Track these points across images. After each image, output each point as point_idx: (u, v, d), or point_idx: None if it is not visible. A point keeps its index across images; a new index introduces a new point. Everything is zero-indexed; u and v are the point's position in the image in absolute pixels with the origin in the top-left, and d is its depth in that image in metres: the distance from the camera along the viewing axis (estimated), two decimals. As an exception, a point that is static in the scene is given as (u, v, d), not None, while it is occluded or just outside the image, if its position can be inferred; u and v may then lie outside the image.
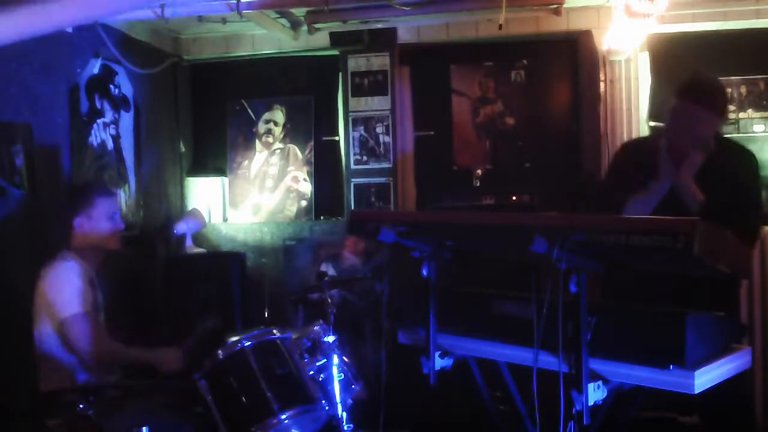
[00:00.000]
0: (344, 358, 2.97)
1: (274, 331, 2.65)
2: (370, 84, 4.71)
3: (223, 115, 5.05)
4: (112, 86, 4.15)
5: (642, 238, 1.75)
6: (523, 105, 4.80)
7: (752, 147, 4.37)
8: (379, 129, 4.71)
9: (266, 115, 5.01)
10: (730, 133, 4.44)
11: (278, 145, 4.98)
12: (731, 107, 4.48)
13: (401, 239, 2.32)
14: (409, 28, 4.69)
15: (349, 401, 2.94)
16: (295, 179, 4.93)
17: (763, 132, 4.46)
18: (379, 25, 4.57)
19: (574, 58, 4.69)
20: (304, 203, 4.91)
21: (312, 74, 4.96)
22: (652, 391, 1.98)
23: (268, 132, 5.00)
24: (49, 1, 2.53)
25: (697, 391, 1.85)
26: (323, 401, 2.58)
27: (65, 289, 2.83)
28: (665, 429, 3.38)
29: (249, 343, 2.53)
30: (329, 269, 4.11)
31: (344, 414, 2.86)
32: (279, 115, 4.99)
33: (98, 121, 4.02)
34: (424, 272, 2.37)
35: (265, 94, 5.03)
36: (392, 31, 4.68)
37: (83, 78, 3.87)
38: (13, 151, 3.29)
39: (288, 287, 4.45)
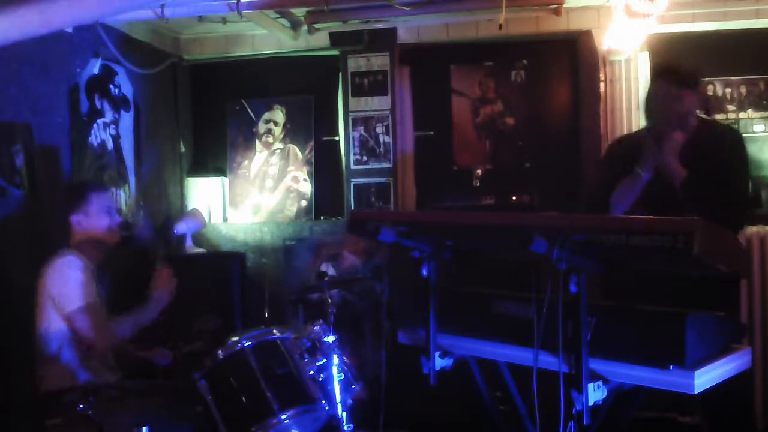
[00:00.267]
0: (344, 358, 2.97)
1: (274, 331, 2.65)
2: (370, 84, 4.71)
3: (223, 115, 5.05)
4: (112, 86, 4.15)
5: (642, 238, 1.75)
6: (523, 105, 4.80)
7: (752, 147, 4.43)
8: (379, 129, 4.71)
9: (266, 115, 5.01)
10: (729, 132, 4.46)
11: (278, 145, 4.98)
12: (731, 107, 4.49)
13: (401, 239, 2.32)
14: (409, 28, 4.69)
15: (349, 401, 2.94)
16: (295, 179, 4.93)
17: (763, 132, 4.46)
18: (379, 25, 4.57)
19: (574, 58, 4.69)
20: (304, 203, 4.91)
21: (312, 74, 4.96)
22: (652, 391, 1.98)
23: (268, 132, 5.00)
24: (49, 1, 2.53)
25: (697, 391, 1.85)
26: (323, 401, 2.59)
27: (68, 284, 2.85)
28: (665, 429, 3.38)
29: (249, 343, 2.53)
30: (329, 269, 4.11)
31: (344, 414, 2.86)
32: (279, 115, 4.99)
33: (98, 121, 4.02)
34: (424, 272, 2.36)
35: (265, 94, 5.03)
36: (392, 31, 4.68)
37: (83, 78, 3.87)
38: (13, 151, 3.29)
39: (288, 287, 4.45)
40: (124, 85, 4.26)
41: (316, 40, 4.69)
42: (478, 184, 4.80)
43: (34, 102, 3.45)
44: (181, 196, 5.02)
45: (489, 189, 4.77)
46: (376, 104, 4.71)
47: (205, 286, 4.20)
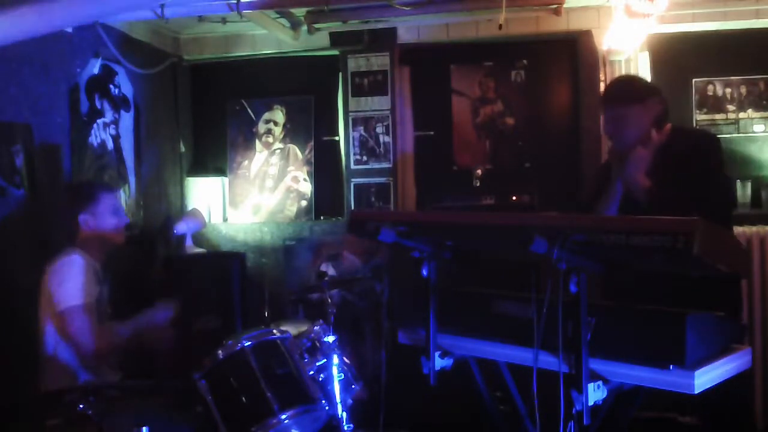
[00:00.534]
0: (344, 358, 2.97)
1: (274, 331, 2.65)
2: (370, 84, 4.71)
3: (223, 115, 5.06)
4: (112, 86, 4.15)
5: (642, 238, 1.75)
6: (523, 105, 4.80)
7: (752, 147, 4.44)
8: (379, 129, 4.71)
9: (266, 115, 5.01)
10: (730, 133, 4.46)
11: (278, 145, 4.98)
12: (731, 107, 4.49)
13: (401, 239, 2.32)
14: (409, 28, 4.69)
15: (349, 401, 2.94)
16: (295, 179, 4.93)
17: (763, 132, 4.46)
18: (379, 25, 4.57)
19: (574, 58, 4.69)
20: (304, 203, 4.91)
21: (312, 74, 4.96)
22: (652, 391, 1.98)
23: (268, 132, 5.00)
24: (49, 1, 2.53)
25: (697, 391, 1.85)
26: (323, 401, 2.59)
27: (66, 282, 2.84)
28: (665, 429, 3.38)
29: (249, 343, 2.53)
30: (329, 269, 4.11)
31: (344, 414, 2.86)
32: (279, 115, 4.99)
33: (98, 121, 4.02)
34: (424, 272, 2.37)
35: (265, 94, 5.03)
36: (392, 31, 4.68)
37: (83, 78, 3.87)
38: (13, 151, 3.29)
39: (288, 287, 4.45)
40: (124, 85, 4.26)
41: (316, 40, 4.69)
42: (478, 184, 4.80)
43: (34, 102, 3.45)
44: (181, 196, 5.02)
45: (489, 189, 4.77)
46: (376, 104, 4.71)
47: (205, 286, 4.20)
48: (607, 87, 3.10)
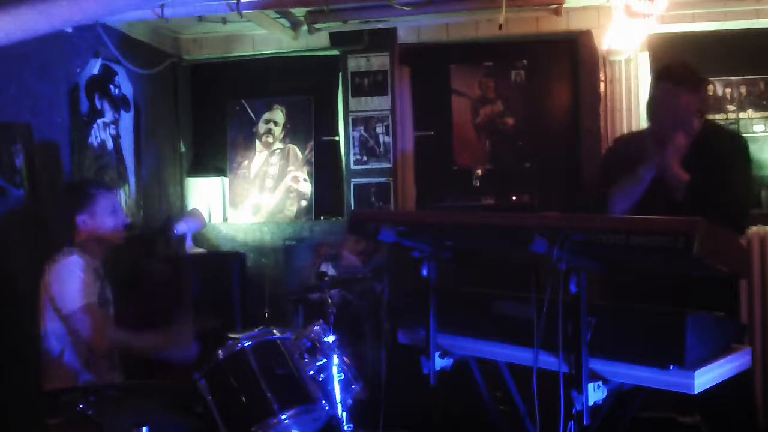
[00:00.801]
0: (344, 358, 2.97)
1: (274, 331, 2.65)
2: (370, 84, 4.71)
3: (223, 115, 5.06)
4: (112, 86, 4.15)
5: (642, 238, 1.75)
6: (523, 105, 4.80)
7: (752, 147, 4.42)
8: (379, 129, 4.71)
9: (266, 115, 5.01)
10: (729, 133, 4.46)
11: (278, 145, 4.98)
12: (731, 107, 4.49)
13: (401, 239, 2.32)
14: (409, 28, 4.69)
15: (349, 401, 2.94)
16: (295, 179, 4.93)
17: (763, 132, 4.46)
18: (379, 25, 4.57)
19: (574, 58, 4.69)
20: (304, 203, 4.91)
21: (312, 74, 4.96)
22: (652, 391, 1.98)
23: (268, 132, 5.00)
24: (49, 1, 2.53)
25: (697, 391, 1.85)
26: (323, 401, 2.58)
27: (68, 284, 2.84)
28: (665, 429, 3.38)
29: (249, 343, 2.53)
30: (329, 269, 4.11)
31: (344, 414, 2.86)
32: (279, 115, 4.99)
33: (98, 121, 4.02)
34: (424, 272, 2.37)
35: (265, 94, 5.03)
36: (392, 31, 4.68)
37: (83, 78, 3.87)
38: (13, 151, 3.29)
39: (288, 287, 4.45)
40: (124, 85, 4.26)
41: (316, 40, 4.69)
42: (478, 184, 4.80)
43: (34, 102, 3.45)
44: (181, 196, 5.02)
45: (489, 189, 4.78)
46: (376, 104, 4.71)
47: (205, 286, 4.20)
48: (668, 68, 2.95)
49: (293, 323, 3.46)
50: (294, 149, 4.96)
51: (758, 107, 4.47)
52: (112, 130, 4.15)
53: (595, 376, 1.96)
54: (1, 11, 2.47)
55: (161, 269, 4.32)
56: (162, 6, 3.68)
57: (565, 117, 4.78)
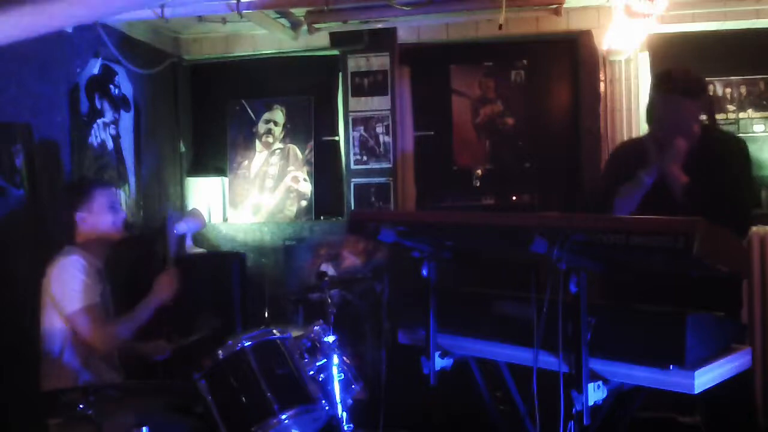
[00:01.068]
0: (344, 358, 2.97)
1: (274, 331, 2.65)
2: (370, 84, 4.71)
3: (223, 115, 5.06)
4: (112, 86, 4.15)
5: (642, 238, 1.75)
6: (523, 105, 4.80)
7: (752, 147, 4.42)
8: (379, 129, 4.71)
9: (266, 115, 5.01)
10: (730, 133, 4.46)
11: (278, 145, 4.98)
12: (731, 107, 4.49)
13: (401, 239, 2.32)
14: (409, 28, 4.69)
15: (349, 401, 2.94)
16: (295, 179, 4.93)
17: (763, 132, 4.47)
18: (379, 25, 4.57)
19: (574, 58, 4.69)
20: (304, 203, 4.91)
21: (312, 74, 4.96)
22: (652, 391, 1.98)
23: (268, 132, 5.00)
24: (49, 1, 2.53)
25: (697, 391, 1.85)
26: (323, 401, 2.58)
27: (69, 284, 2.84)
28: (665, 429, 3.38)
29: (249, 343, 2.53)
30: (329, 269, 4.11)
31: (344, 414, 2.86)
32: (279, 115, 4.99)
33: (98, 121, 4.02)
34: (424, 272, 2.37)
35: (265, 94, 5.03)
36: (392, 31, 4.68)
37: (83, 78, 3.87)
38: (13, 151, 3.29)
39: (288, 287, 4.45)
40: (124, 85, 4.26)
41: (316, 40, 4.69)
42: (478, 184, 4.80)
43: (34, 102, 3.45)
44: (181, 196, 5.02)
45: (489, 189, 4.78)
46: (376, 104, 4.71)
47: (205, 286, 4.20)
48: (671, 75, 2.94)
49: (293, 323, 3.46)
50: (294, 149, 4.96)
51: (758, 107, 4.47)
52: (112, 130, 4.15)
53: (595, 376, 1.96)
54: (1, 11, 2.47)
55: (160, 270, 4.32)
56: (162, 6, 3.68)
57: (565, 117, 4.78)
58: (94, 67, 3.98)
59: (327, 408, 2.60)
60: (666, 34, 4.39)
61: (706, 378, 1.89)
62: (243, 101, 5.03)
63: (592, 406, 1.93)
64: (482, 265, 2.55)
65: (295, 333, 2.83)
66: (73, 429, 2.51)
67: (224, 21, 4.42)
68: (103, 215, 3.02)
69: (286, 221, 4.88)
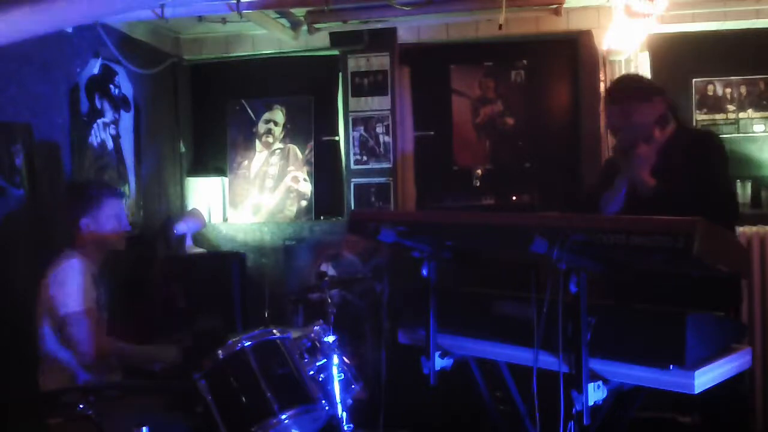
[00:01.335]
0: (344, 358, 2.97)
1: (274, 331, 2.65)
2: (370, 84, 4.71)
3: (223, 115, 5.06)
4: (112, 86, 4.15)
5: (642, 238, 1.75)
6: (523, 105, 4.80)
7: (752, 147, 4.44)
8: (379, 129, 4.71)
9: (266, 115, 5.01)
10: (730, 133, 4.47)
11: (278, 145, 4.98)
12: (731, 107, 4.49)
13: (401, 239, 2.32)
14: (409, 28, 4.69)
15: (349, 401, 2.94)
16: (295, 179, 4.93)
17: (763, 132, 4.46)
18: (379, 25, 4.57)
19: (574, 58, 4.69)
20: (304, 203, 4.91)
21: (312, 74, 4.96)
22: (652, 391, 1.98)
23: (268, 132, 5.00)
24: (49, 1, 2.53)
25: (697, 391, 1.85)
26: (323, 401, 2.59)
27: (67, 287, 2.84)
28: (665, 429, 3.38)
29: (249, 343, 2.53)
30: (329, 269, 4.11)
31: (344, 414, 2.86)
32: (279, 115, 4.99)
33: (98, 121, 4.02)
34: (424, 272, 2.37)
35: (265, 94, 5.03)
36: (392, 31, 4.68)
37: (83, 78, 3.87)
38: (13, 151, 3.29)
39: (288, 287, 4.45)
40: (124, 85, 4.26)
41: (316, 40, 4.69)
42: (478, 184, 4.80)
43: (34, 102, 3.45)
44: (181, 196, 5.02)
45: (489, 189, 4.78)
46: (376, 104, 4.71)
47: (205, 286, 4.20)
48: (613, 84, 3.12)
49: (293, 323, 3.46)
50: (294, 149, 4.96)
51: (758, 107, 4.47)
52: (112, 130, 4.15)
53: (595, 376, 1.96)
54: (1, 11, 2.47)
55: (158, 274, 4.33)
56: (162, 6, 3.67)
57: (565, 117, 4.78)
58: (94, 67, 3.98)
59: (327, 408, 2.60)
60: (666, 34, 4.39)
61: (706, 378, 1.89)
62: (243, 101, 5.03)
63: (592, 406, 1.93)
64: (482, 265, 2.55)
65: (295, 333, 2.84)
66: (73, 429, 2.52)
67: (224, 21, 4.42)
68: (107, 224, 3.01)
69: (286, 221, 4.88)
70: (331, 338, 2.89)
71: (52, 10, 2.55)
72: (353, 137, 4.73)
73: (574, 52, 4.68)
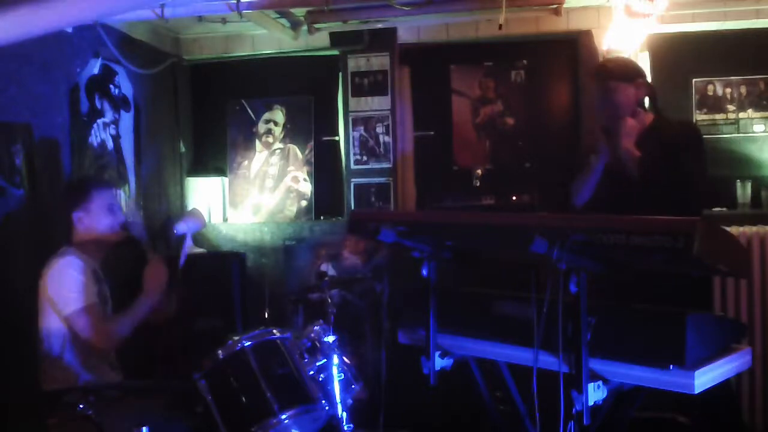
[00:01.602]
0: (344, 358, 2.97)
1: (274, 331, 2.65)
2: (370, 84, 4.71)
3: (223, 115, 5.06)
4: (112, 86, 4.15)
5: (642, 238, 1.75)
6: (523, 105, 4.80)
7: (752, 147, 4.44)
8: (379, 129, 4.71)
9: (266, 115, 5.01)
10: (730, 133, 4.47)
11: (278, 145, 4.98)
12: (731, 107, 4.49)
13: (401, 239, 2.32)
14: (409, 28, 4.69)
15: (349, 401, 2.94)
16: (295, 179, 4.93)
17: (763, 132, 4.46)
18: (379, 25, 4.57)
19: (574, 58, 4.69)
20: (304, 203, 4.91)
21: (312, 74, 4.96)
22: (652, 391, 1.98)
23: (268, 132, 5.00)
24: (49, 1, 2.53)
25: (697, 391, 1.85)
26: (323, 401, 2.59)
27: (66, 285, 2.83)
28: (665, 429, 3.38)
29: (249, 343, 2.53)
30: (329, 269, 4.11)
31: (344, 414, 2.86)
32: (279, 115, 4.99)
33: (98, 121, 4.02)
34: (424, 272, 2.37)
35: (265, 94, 5.03)
36: (392, 31, 4.68)
37: (83, 78, 3.87)
38: (13, 151, 3.29)
39: (288, 287, 4.45)
40: (124, 85, 4.26)
41: (316, 40, 4.69)
42: (478, 184, 4.80)
43: (34, 102, 3.45)
44: (181, 196, 5.02)
45: (489, 189, 4.77)
46: (376, 104, 4.71)
47: (205, 286, 4.20)
48: (600, 64, 3.26)
49: (293, 323, 3.46)
50: (294, 149, 4.96)
51: (758, 107, 4.47)
52: (112, 130, 4.15)
53: (595, 376, 1.96)
54: (1, 11, 2.47)
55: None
56: (162, 6, 3.67)
57: (565, 117, 4.78)
58: (94, 67, 3.98)
59: (327, 408, 2.60)
60: (666, 34, 4.39)
61: (706, 378, 1.89)
62: (243, 101, 5.03)
63: (592, 406, 1.93)
64: (482, 265, 2.55)
65: (295, 333, 2.84)
66: (73, 429, 2.52)
67: (224, 21, 4.42)
68: (100, 216, 3.00)
69: (286, 221, 4.88)
70: (331, 338, 2.89)
71: (52, 10, 2.55)
72: (353, 137, 4.73)
73: (574, 52, 4.68)
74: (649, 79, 4.38)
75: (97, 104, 4.01)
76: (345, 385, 2.91)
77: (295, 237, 4.77)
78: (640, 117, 2.97)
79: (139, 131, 4.43)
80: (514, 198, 4.73)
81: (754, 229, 4.05)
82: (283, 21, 4.49)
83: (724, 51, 4.45)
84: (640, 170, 2.85)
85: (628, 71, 3.03)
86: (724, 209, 4.31)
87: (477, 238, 2.28)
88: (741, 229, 4.03)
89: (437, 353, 2.39)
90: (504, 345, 2.24)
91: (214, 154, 5.14)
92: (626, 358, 1.94)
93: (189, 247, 4.59)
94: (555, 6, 4.17)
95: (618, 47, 4.27)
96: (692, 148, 2.91)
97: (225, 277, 4.32)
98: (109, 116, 4.12)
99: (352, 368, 3.01)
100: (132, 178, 4.35)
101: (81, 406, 2.41)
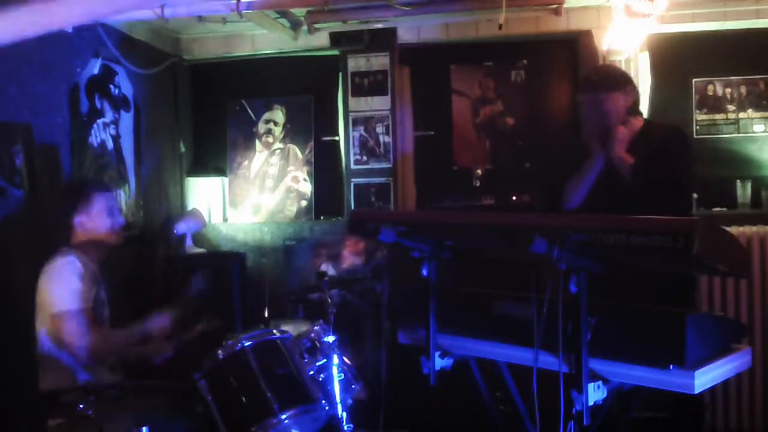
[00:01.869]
0: (344, 358, 2.97)
1: (274, 331, 2.65)
2: (370, 84, 4.71)
3: (223, 115, 5.05)
4: (112, 86, 4.15)
5: (642, 238, 1.75)
6: (523, 105, 4.80)
7: (752, 147, 4.44)
8: (379, 129, 4.71)
9: (266, 115, 5.01)
10: (730, 133, 4.47)
11: (278, 145, 4.98)
12: (731, 107, 4.49)
13: (401, 239, 2.32)
14: (409, 28, 4.69)
15: (349, 401, 2.94)
16: (295, 179, 4.93)
17: (763, 132, 4.46)
18: (379, 25, 4.57)
19: (574, 58, 4.69)
20: (304, 203, 4.91)
21: (312, 74, 4.96)
22: (652, 391, 1.98)
23: (268, 132, 5.00)
24: (49, 1, 2.53)
25: (697, 391, 1.86)
26: (323, 401, 2.59)
27: (60, 285, 2.83)
28: (665, 429, 3.39)
29: (249, 343, 2.53)
30: (329, 269, 4.11)
31: (344, 414, 2.86)
32: (279, 115, 4.99)
33: (98, 121, 4.02)
34: (424, 272, 2.37)
35: (265, 94, 5.03)
36: (392, 31, 4.68)
37: (83, 78, 3.86)
38: (13, 151, 3.28)
39: (288, 287, 4.45)
40: (124, 85, 4.26)
41: (316, 40, 4.69)
42: (478, 184, 4.80)
43: (34, 102, 3.45)
44: (181, 196, 5.02)
45: (489, 189, 4.77)
46: (376, 104, 4.71)
47: (205, 286, 4.19)
48: (588, 73, 3.30)
49: (293, 323, 3.46)
50: (294, 149, 4.96)
51: (758, 107, 4.47)
52: (112, 130, 4.15)
53: (595, 376, 1.96)
54: (1, 11, 2.47)
55: (159, 271, 4.33)
56: (162, 6, 3.67)
57: (565, 117, 4.77)
58: (94, 67, 3.98)
59: (327, 408, 2.61)
60: (666, 34, 4.39)
61: (706, 378, 1.89)
62: (243, 101, 5.03)
63: (592, 406, 1.93)
64: (482, 265, 2.56)
65: (295, 333, 2.84)
66: (73, 429, 2.52)
67: (224, 21, 4.41)
68: (100, 219, 3.01)
69: (286, 221, 4.88)
70: (331, 338, 2.90)
71: (52, 10, 2.55)
72: (353, 137, 4.73)
73: (574, 52, 4.68)
74: (649, 79, 4.43)
75: (97, 104, 4.01)
76: (345, 385, 2.91)
77: (295, 237, 4.77)
78: (631, 123, 3.00)
79: (139, 131, 4.43)
80: (514, 198, 4.73)
81: (754, 229, 4.05)
82: (283, 21, 4.49)
83: (724, 51, 4.45)
84: (633, 176, 2.87)
85: (617, 79, 3.05)
86: (724, 209, 4.32)
87: (477, 238, 2.28)
88: (741, 229, 4.03)
89: (437, 353, 2.39)
90: (504, 345, 2.24)
91: (214, 154, 5.13)
92: (626, 358, 1.94)
93: (189, 247, 4.60)
94: (555, 6, 4.17)
95: (618, 47, 4.27)
96: (680, 151, 2.94)
97: (225, 277, 4.32)
98: (109, 116, 4.12)
99: (352, 368, 3.02)
100: (132, 178, 4.35)
101: (81, 406, 2.41)
